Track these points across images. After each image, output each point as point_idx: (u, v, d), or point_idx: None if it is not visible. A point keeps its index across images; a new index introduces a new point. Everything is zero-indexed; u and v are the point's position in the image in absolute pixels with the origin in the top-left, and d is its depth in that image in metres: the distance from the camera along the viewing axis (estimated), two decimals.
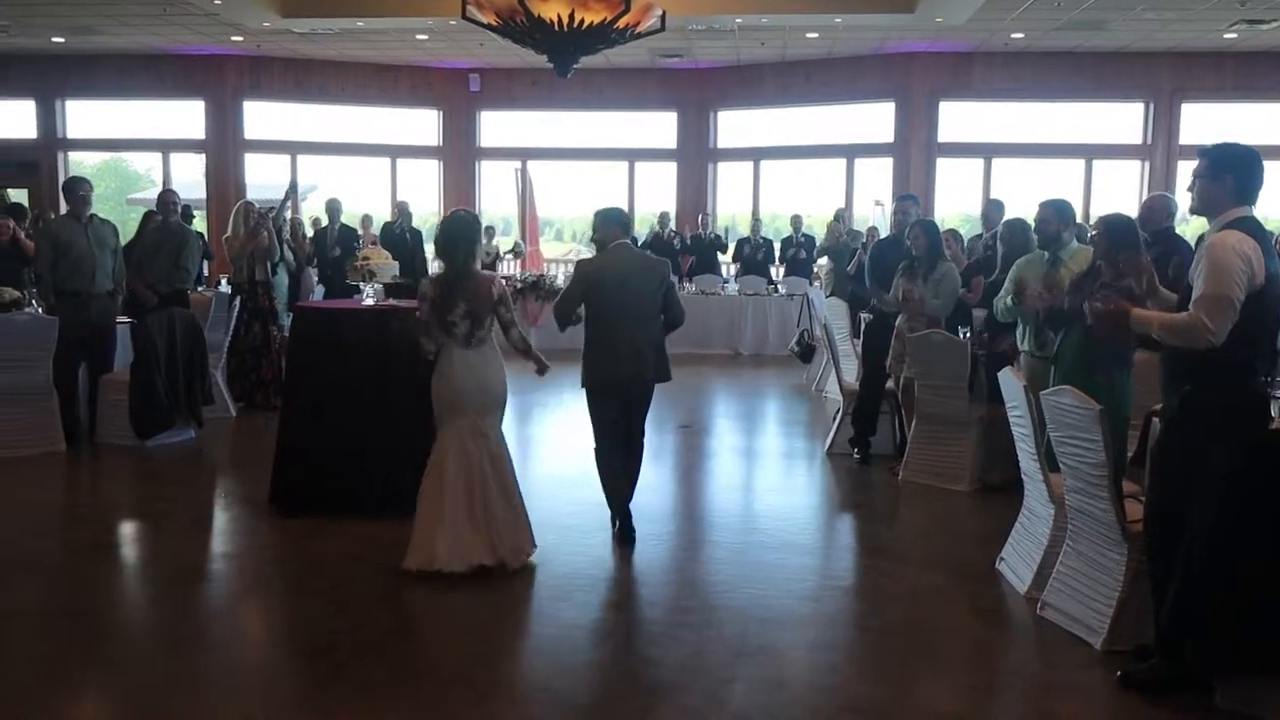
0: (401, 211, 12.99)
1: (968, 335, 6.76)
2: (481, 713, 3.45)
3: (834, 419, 7.68)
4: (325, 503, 5.50)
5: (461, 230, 4.77)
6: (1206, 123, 13.69)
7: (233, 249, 8.42)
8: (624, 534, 5.20)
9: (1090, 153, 14.18)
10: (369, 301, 5.84)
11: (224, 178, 15.25)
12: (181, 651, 3.89)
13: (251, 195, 15.12)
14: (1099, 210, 9.21)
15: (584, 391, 5.24)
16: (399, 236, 12.30)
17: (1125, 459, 4.58)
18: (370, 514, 5.41)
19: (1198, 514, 3.36)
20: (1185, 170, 13.65)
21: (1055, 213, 5.28)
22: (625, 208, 15.73)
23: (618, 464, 5.22)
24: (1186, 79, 13.60)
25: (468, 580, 4.80)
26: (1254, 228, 3.46)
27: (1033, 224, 5.49)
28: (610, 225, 5.26)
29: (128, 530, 5.62)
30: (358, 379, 5.52)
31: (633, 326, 5.08)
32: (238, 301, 8.40)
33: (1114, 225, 4.63)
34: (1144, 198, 7.30)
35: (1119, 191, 13.90)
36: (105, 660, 3.82)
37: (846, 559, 5.42)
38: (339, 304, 6.81)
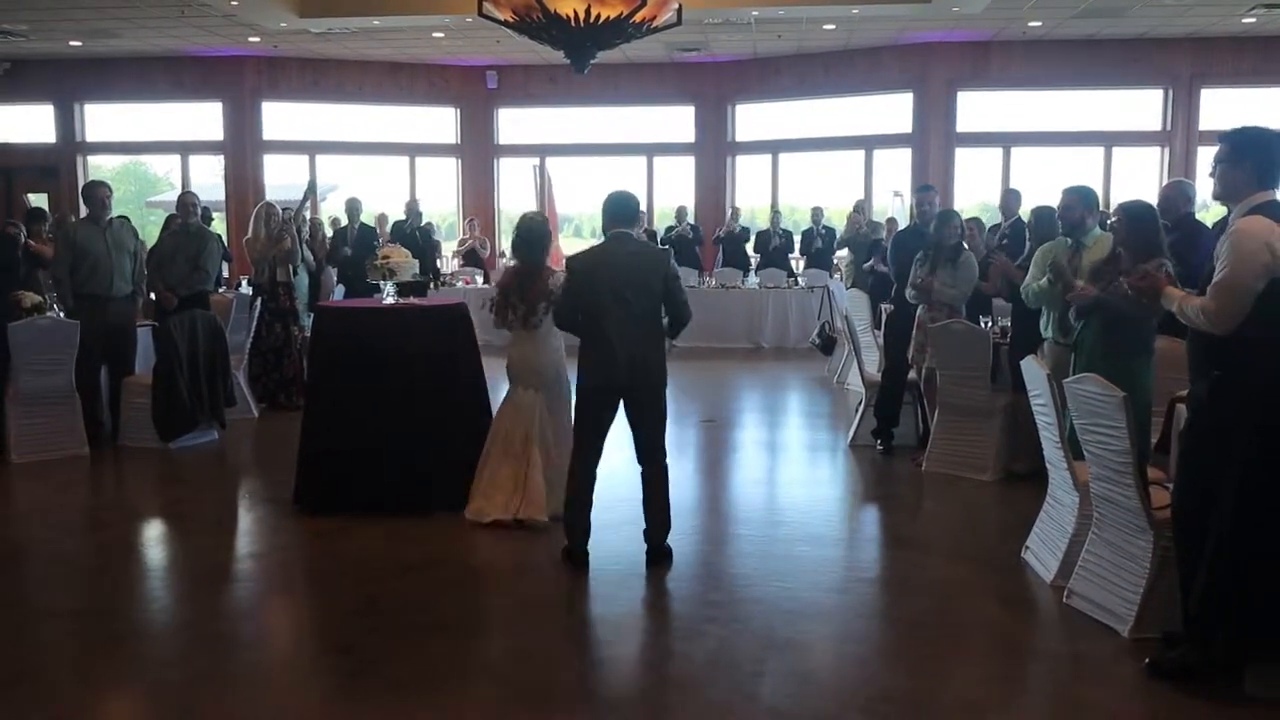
0: (411, 210, 13.15)
1: (989, 324, 6.75)
2: (510, 710, 3.46)
3: (856, 411, 7.67)
4: (349, 501, 5.54)
5: (542, 232, 5.41)
6: (1226, 108, 13.55)
7: (253, 251, 8.47)
8: (577, 558, 4.75)
9: (1109, 140, 14.06)
10: (389, 300, 5.87)
11: (243, 179, 15.34)
12: (212, 650, 3.92)
13: (271, 196, 15.27)
14: (1119, 197, 9.12)
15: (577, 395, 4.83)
16: (409, 235, 12.43)
17: (1149, 446, 4.54)
18: (394, 512, 5.45)
19: (1226, 499, 3.33)
20: (1205, 156, 13.58)
21: (1079, 199, 5.25)
22: (643, 202, 16.01)
23: (589, 482, 4.75)
24: (1205, 64, 13.46)
25: (494, 577, 4.84)
26: (1278, 213, 3.43)
27: (1058, 210, 5.44)
28: (607, 214, 4.81)
29: (154, 531, 5.68)
30: (379, 378, 5.55)
31: (631, 325, 4.62)
32: (259, 302, 8.45)
33: (1134, 213, 4.60)
34: (1163, 184, 7.21)
35: (1139, 179, 13.78)
36: (137, 659, 3.87)
37: (872, 551, 5.41)
38: (359, 303, 6.85)
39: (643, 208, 14.83)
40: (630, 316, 4.63)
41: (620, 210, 4.83)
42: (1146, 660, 3.61)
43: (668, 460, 4.82)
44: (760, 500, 6.23)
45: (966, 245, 6.52)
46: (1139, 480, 3.86)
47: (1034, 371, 4.61)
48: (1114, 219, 4.78)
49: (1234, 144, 3.48)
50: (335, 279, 11.16)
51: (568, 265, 4.85)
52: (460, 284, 13.36)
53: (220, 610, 4.42)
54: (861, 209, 12.68)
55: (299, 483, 5.76)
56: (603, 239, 4.93)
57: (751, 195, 16.29)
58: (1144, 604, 3.86)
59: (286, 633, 4.31)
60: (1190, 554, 3.52)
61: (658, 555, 4.83)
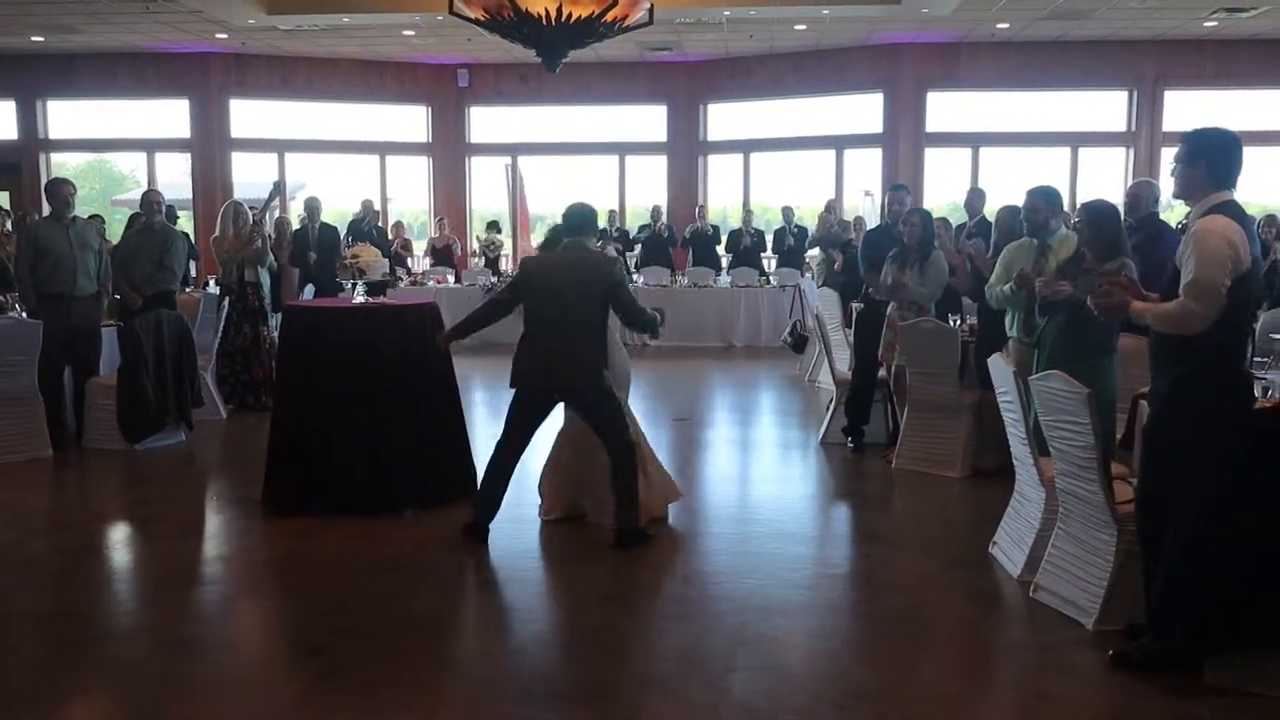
0: (367, 209, 13.14)
1: (958, 323, 6.81)
2: (484, 710, 3.46)
3: (827, 408, 7.71)
4: (318, 502, 5.50)
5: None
6: (1189, 109, 13.77)
7: (221, 250, 8.39)
8: (476, 533, 5.03)
9: (1076, 140, 14.23)
10: (358, 299, 5.84)
11: (210, 177, 15.19)
12: (181, 653, 3.88)
13: (239, 194, 15.14)
14: (1085, 197, 9.23)
15: None
16: (366, 234, 12.40)
17: (1113, 442, 4.61)
18: (363, 512, 5.41)
19: (1188, 493, 3.39)
20: (1169, 157, 13.78)
21: (1044, 200, 5.31)
22: (617, 201, 16.04)
23: (505, 470, 5.04)
24: (1169, 67, 13.66)
25: (466, 577, 4.84)
26: (1237, 213, 3.49)
27: (1022, 213, 5.50)
28: (563, 224, 5.10)
29: (120, 534, 5.60)
30: (348, 378, 5.51)
31: (561, 330, 4.87)
32: (226, 302, 8.38)
33: (1097, 211, 4.67)
34: (1129, 184, 7.31)
35: (1104, 179, 13.95)
36: (105, 662, 3.82)
37: (842, 547, 5.44)
38: (328, 303, 6.81)
39: (614, 208, 14.89)
40: (561, 322, 4.87)
41: (573, 221, 5.07)
42: (1110, 652, 3.66)
43: (629, 449, 4.99)
44: (732, 498, 6.25)
45: (937, 245, 6.57)
46: (1103, 475, 3.92)
47: (1000, 369, 4.66)
48: (1077, 219, 4.84)
49: (1190, 145, 3.54)
50: (298, 279, 11.07)
51: (520, 263, 4.98)
52: (432, 283, 13.32)
53: (189, 613, 4.37)
54: (833, 208, 12.75)
55: (267, 483, 5.71)
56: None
57: (723, 194, 16.34)
58: (1108, 597, 3.91)
59: (256, 635, 4.27)
60: (1153, 547, 3.57)
61: (622, 536, 4.94)
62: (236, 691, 3.58)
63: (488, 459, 5.14)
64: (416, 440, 5.60)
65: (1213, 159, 3.48)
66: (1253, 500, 3.35)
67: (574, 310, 4.89)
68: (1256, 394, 3.70)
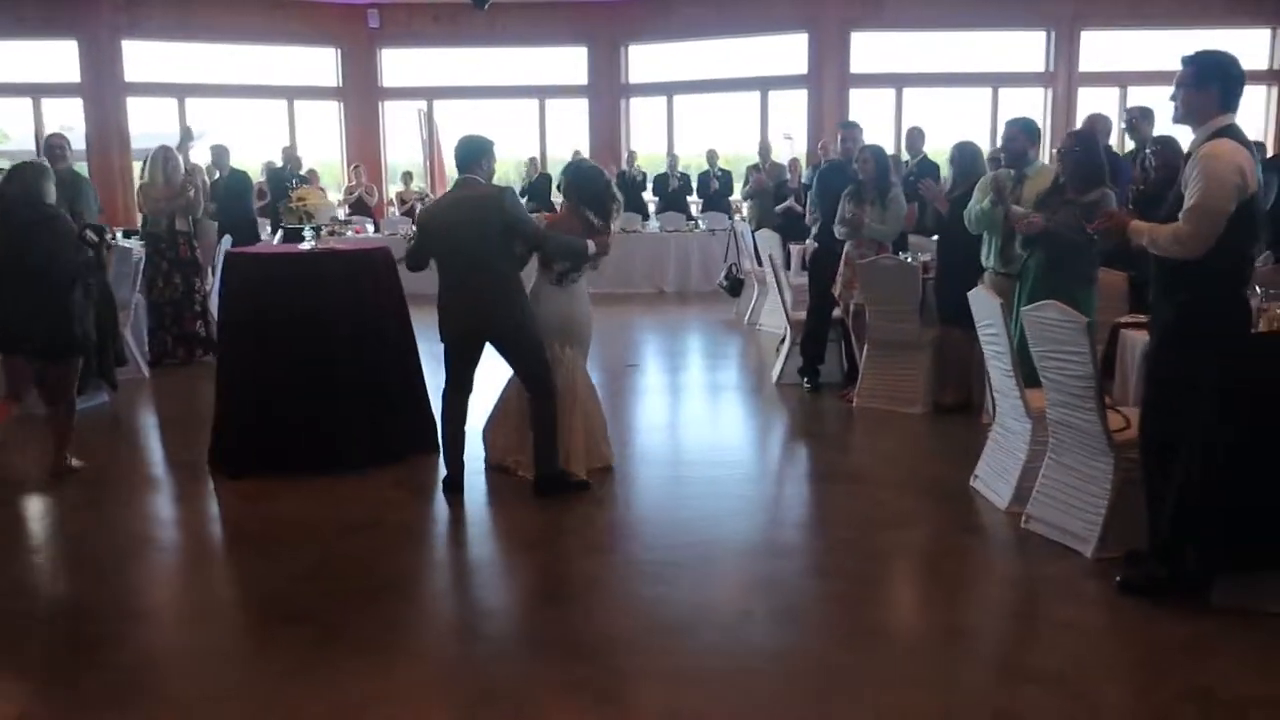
0: (289, 156, 12.57)
1: (908, 260, 6.79)
2: (494, 664, 3.30)
3: (779, 350, 7.66)
4: (271, 463, 5.20)
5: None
6: (1105, 50, 14.02)
7: (150, 198, 7.85)
8: (452, 485, 4.89)
9: (996, 81, 14.36)
10: (307, 245, 5.50)
11: (105, 125, 14.22)
12: (154, 626, 3.63)
13: (136, 144, 14.27)
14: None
15: None
16: (288, 184, 11.83)
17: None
18: (321, 470, 5.14)
19: (1198, 418, 3.40)
20: (1085, 97, 14.11)
21: (1022, 131, 5.29)
22: (538, 147, 15.64)
23: (457, 413, 4.91)
24: (1085, 7, 13.85)
25: (443, 534, 4.66)
26: (1241, 136, 3.47)
27: (1001, 142, 5.47)
28: (455, 158, 4.84)
29: (60, 502, 5.18)
30: (299, 329, 5.21)
31: (466, 272, 4.70)
32: (145, 255, 7.87)
33: (1087, 139, 4.67)
34: (1082, 120, 7.36)
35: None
36: (75, 639, 3.53)
37: (823, 486, 5.35)
38: (274, 249, 6.44)
39: (534, 154, 14.41)
40: (466, 263, 4.69)
41: (464, 153, 4.85)
42: (1118, 578, 3.69)
43: (549, 392, 4.82)
44: (699, 443, 6.14)
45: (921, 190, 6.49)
46: (1100, 404, 3.93)
47: (985, 301, 4.63)
48: (1061, 148, 4.83)
49: (1199, 67, 3.49)
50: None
51: (418, 213, 4.79)
52: (351, 233, 12.80)
53: (154, 583, 4.09)
54: (762, 167, 12.49)
55: (215, 443, 5.39)
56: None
57: (647, 139, 16.07)
58: (1106, 524, 3.94)
59: (234, 603, 3.98)
60: (1159, 474, 3.59)
61: (542, 482, 4.81)
62: (223, 664, 3.34)
63: (440, 414, 4.99)
64: (375, 394, 5.34)
65: (1224, 82, 3.45)
66: (1256, 424, 3.37)
67: (474, 249, 4.69)
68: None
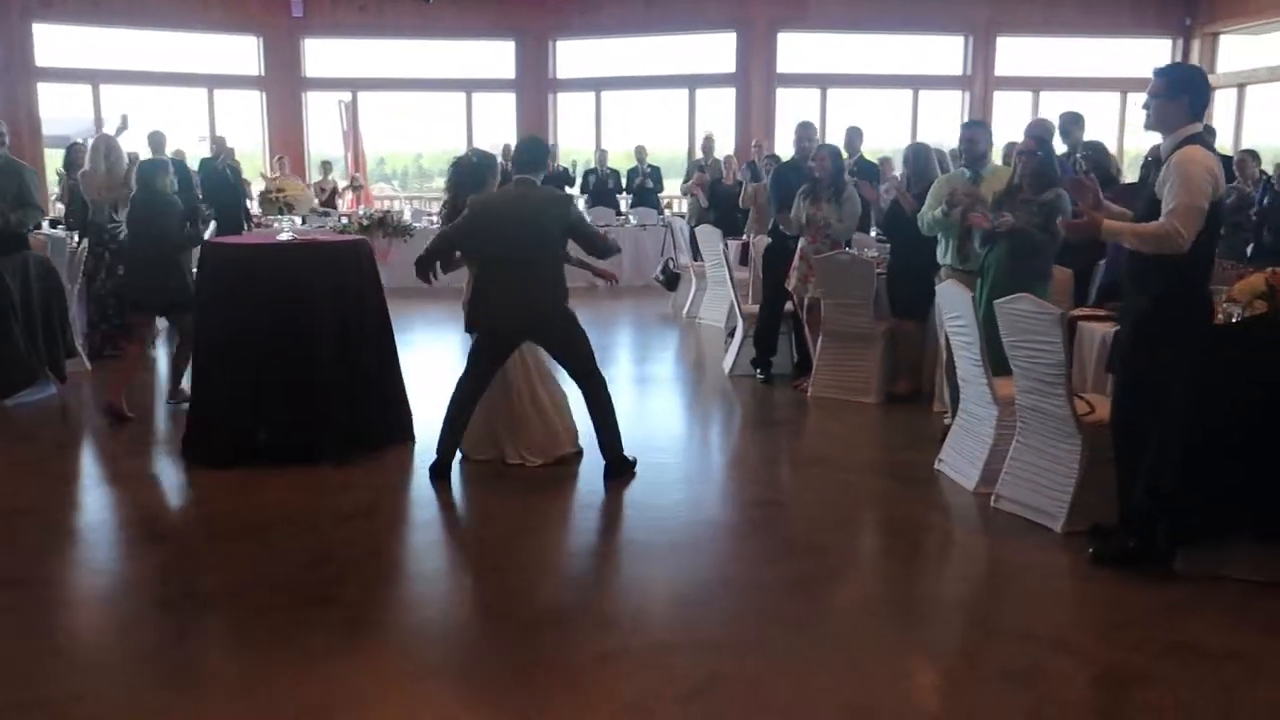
0: (221, 146, 12.31)
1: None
2: (534, 636, 3.39)
3: (729, 342, 7.88)
4: (248, 454, 5.17)
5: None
6: (1019, 56, 14.68)
7: (91, 188, 7.62)
8: (440, 471, 4.96)
9: (917, 84, 14.91)
10: (284, 236, 5.48)
11: (14, 111, 13.55)
12: (176, 610, 3.62)
13: (48, 130, 13.74)
14: (925, 138, 9.72)
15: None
16: (220, 173, 11.61)
17: None
18: (301, 461, 5.14)
19: (1174, 401, 3.71)
20: (1001, 100, 14.75)
21: (984, 132, 5.59)
22: (464, 141, 15.57)
23: (468, 403, 4.97)
24: (1000, 14, 14.48)
25: (443, 520, 4.73)
26: (1209, 142, 3.81)
27: (959, 144, 5.76)
28: (514, 158, 5.00)
29: (28, 497, 5.04)
30: (278, 320, 5.20)
31: (516, 274, 4.81)
32: (84, 245, 7.65)
33: (1046, 142, 4.97)
34: (1028, 123, 7.74)
35: (942, 121, 14.71)
36: (91, 629, 3.52)
37: (790, 470, 5.59)
38: (254, 239, 6.37)
39: (460, 148, 14.32)
40: (516, 265, 4.77)
41: (528, 155, 4.97)
42: (1090, 550, 3.99)
43: (601, 381, 5.03)
44: (664, 434, 6.21)
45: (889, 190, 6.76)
46: (1069, 390, 4.23)
47: (955, 294, 4.90)
48: (1021, 150, 5.13)
49: (1171, 80, 3.82)
50: None
51: (468, 205, 4.92)
52: (276, 224, 12.57)
53: (163, 568, 4.04)
54: (703, 165, 12.61)
55: (190, 434, 5.34)
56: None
57: (574, 135, 16.15)
58: (1074, 501, 4.25)
59: (251, 589, 3.84)
60: (1131, 455, 3.89)
61: (612, 466, 4.97)
62: (259, 645, 3.36)
63: (450, 398, 5.00)
64: (356, 384, 5.35)
65: (1194, 94, 3.77)
66: (1221, 405, 3.70)
67: (533, 250, 4.81)
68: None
